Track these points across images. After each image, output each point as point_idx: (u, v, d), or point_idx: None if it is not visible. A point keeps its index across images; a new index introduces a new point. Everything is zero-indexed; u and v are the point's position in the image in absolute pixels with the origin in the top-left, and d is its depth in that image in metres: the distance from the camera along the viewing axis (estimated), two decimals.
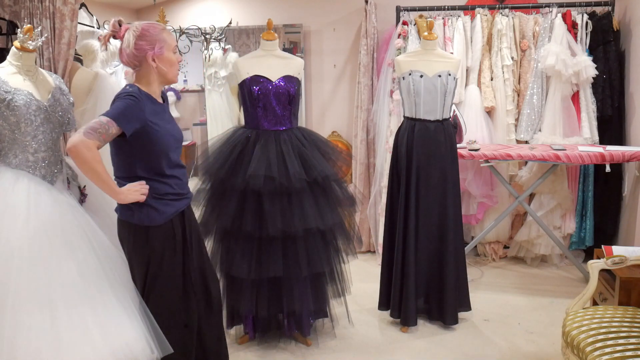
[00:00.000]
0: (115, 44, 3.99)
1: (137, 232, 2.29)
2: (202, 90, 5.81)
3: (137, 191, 2.22)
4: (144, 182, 2.26)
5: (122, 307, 2.29)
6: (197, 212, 3.03)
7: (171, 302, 2.37)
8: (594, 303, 2.94)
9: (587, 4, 4.35)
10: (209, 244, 3.07)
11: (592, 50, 4.32)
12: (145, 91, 2.26)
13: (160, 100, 2.35)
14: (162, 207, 2.28)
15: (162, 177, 2.29)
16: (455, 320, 3.39)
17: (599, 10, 4.36)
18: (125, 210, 2.29)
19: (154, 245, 2.29)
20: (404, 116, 3.43)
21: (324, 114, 5.40)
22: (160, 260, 2.32)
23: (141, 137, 2.20)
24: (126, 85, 2.28)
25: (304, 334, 3.22)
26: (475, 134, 4.37)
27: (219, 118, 5.65)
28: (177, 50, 2.40)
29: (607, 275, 2.84)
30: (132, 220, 2.28)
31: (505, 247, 4.69)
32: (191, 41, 4.49)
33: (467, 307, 3.48)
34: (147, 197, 2.25)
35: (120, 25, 2.26)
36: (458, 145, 3.67)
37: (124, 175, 2.28)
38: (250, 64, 3.14)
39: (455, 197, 3.37)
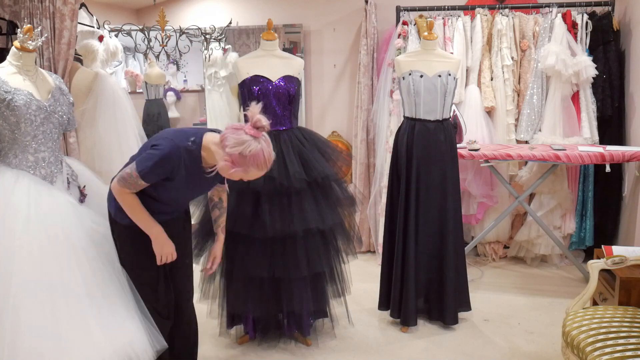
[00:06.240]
0: (115, 43, 4.02)
1: (113, 223, 2.43)
2: (202, 90, 5.82)
3: (167, 253, 2.38)
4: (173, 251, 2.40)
5: (123, 306, 2.30)
6: (197, 212, 3.04)
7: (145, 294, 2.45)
8: (594, 303, 2.93)
9: (587, 4, 4.35)
10: (209, 244, 3.08)
11: (592, 50, 4.32)
12: (200, 155, 2.23)
13: (207, 171, 2.28)
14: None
15: (152, 200, 2.34)
16: (455, 320, 3.39)
17: (599, 10, 4.36)
18: (110, 204, 2.41)
19: (123, 240, 2.41)
20: (404, 116, 3.43)
21: (324, 114, 5.40)
22: (128, 256, 2.43)
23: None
24: (191, 138, 2.22)
25: (304, 334, 3.22)
26: (475, 134, 4.37)
27: (219, 118, 5.65)
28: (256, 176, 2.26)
29: (607, 275, 2.84)
30: (112, 214, 2.41)
31: (505, 247, 4.69)
32: (191, 41, 4.49)
33: (467, 307, 3.47)
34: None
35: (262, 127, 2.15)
36: (458, 145, 3.67)
37: None
38: (250, 64, 3.13)
39: (455, 197, 3.37)
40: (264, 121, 2.14)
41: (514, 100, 4.45)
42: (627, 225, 4.16)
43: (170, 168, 2.19)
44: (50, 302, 2.16)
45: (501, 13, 4.44)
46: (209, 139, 2.23)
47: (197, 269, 2.84)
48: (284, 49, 4.80)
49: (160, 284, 2.46)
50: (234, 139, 2.12)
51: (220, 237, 2.66)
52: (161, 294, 2.47)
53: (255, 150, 2.11)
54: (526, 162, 4.36)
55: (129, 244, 2.40)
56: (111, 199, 2.40)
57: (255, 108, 2.16)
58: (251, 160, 2.12)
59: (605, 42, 4.29)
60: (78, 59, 3.77)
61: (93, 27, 4.03)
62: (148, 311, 2.39)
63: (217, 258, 2.65)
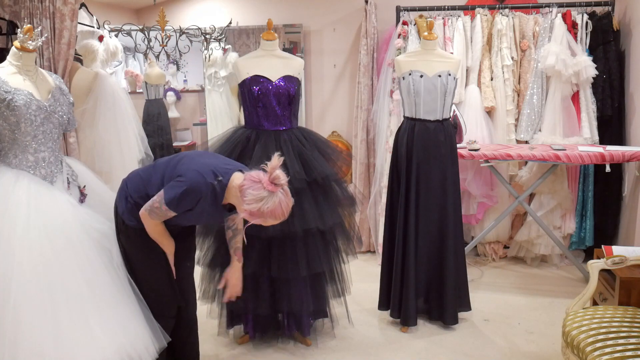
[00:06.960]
0: (115, 43, 4.02)
1: (120, 223, 2.45)
2: (202, 90, 5.82)
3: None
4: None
5: (124, 305, 2.31)
6: None
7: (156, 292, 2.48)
8: (594, 303, 2.93)
9: (587, 4, 4.35)
10: (209, 243, 3.08)
11: (592, 50, 4.32)
12: (223, 195, 2.26)
13: (227, 210, 2.33)
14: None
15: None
16: (455, 320, 3.39)
17: (599, 10, 4.36)
18: (120, 203, 2.42)
19: (132, 241, 2.42)
20: (404, 116, 3.43)
21: (324, 114, 5.40)
22: (135, 256, 2.45)
23: None
24: (219, 178, 2.24)
25: (304, 334, 3.22)
26: (475, 134, 4.37)
27: (219, 118, 5.66)
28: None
29: (607, 275, 2.84)
30: (119, 212, 2.42)
31: (505, 247, 4.69)
32: (191, 41, 4.49)
33: (467, 307, 3.47)
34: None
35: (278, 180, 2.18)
36: (458, 145, 3.67)
37: (138, 195, 2.35)
38: (250, 64, 3.13)
39: (455, 197, 3.37)
40: (283, 179, 2.16)
41: (514, 100, 4.45)
42: (627, 225, 4.15)
43: (196, 199, 2.23)
44: (51, 302, 2.16)
45: (501, 13, 4.44)
46: (235, 182, 2.24)
47: (197, 269, 2.84)
48: (284, 49, 4.80)
49: (166, 283, 2.47)
50: (251, 194, 2.15)
51: (235, 262, 2.61)
52: (166, 293, 2.48)
53: (272, 207, 2.15)
54: (526, 162, 4.36)
55: (136, 245, 2.41)
56: (122, 197, 2.41)
57: (275, 161, 2.17)
58: (269, 214, 2.16)
59: (605, 42, 4.29)
60: (78, 59, 3.77)
61: (93, 27, 4.03)
62: (151, 310, 2.40)
63: (228, 283, 2.60)
